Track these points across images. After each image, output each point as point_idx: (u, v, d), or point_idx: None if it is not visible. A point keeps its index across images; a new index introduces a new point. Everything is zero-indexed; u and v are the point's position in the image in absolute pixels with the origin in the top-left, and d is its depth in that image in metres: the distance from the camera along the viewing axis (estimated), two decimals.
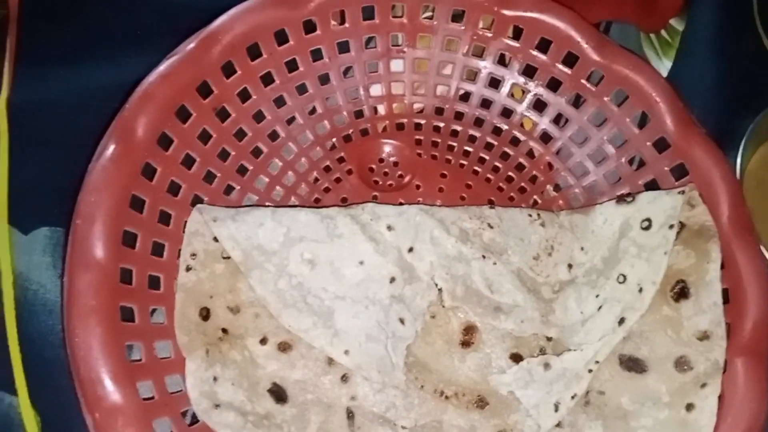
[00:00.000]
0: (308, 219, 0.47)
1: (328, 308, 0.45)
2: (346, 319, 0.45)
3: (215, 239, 0.47)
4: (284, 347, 0.46)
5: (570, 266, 0.49)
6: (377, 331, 0.45)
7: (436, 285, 0.47)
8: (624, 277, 0.46)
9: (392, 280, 0.47)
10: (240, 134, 0.51)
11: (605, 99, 0.52)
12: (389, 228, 0.48)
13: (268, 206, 0.48)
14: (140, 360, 0.41)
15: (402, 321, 0.46)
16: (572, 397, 0.44)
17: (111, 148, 0.43)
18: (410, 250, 0.47)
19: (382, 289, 0.46)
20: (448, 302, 0.47)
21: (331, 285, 0.46)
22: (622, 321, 0.44)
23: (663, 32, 0.63)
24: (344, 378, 0.46)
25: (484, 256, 0.48)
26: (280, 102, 0.53)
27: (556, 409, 0.44)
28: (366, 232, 0.47)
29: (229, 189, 0.51)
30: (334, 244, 0.46)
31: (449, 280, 0.47)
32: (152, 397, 0.40)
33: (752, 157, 0.55)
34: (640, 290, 0.45)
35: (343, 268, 0.46)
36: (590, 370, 0.44)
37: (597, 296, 0.47)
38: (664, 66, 0.62)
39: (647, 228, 0.47)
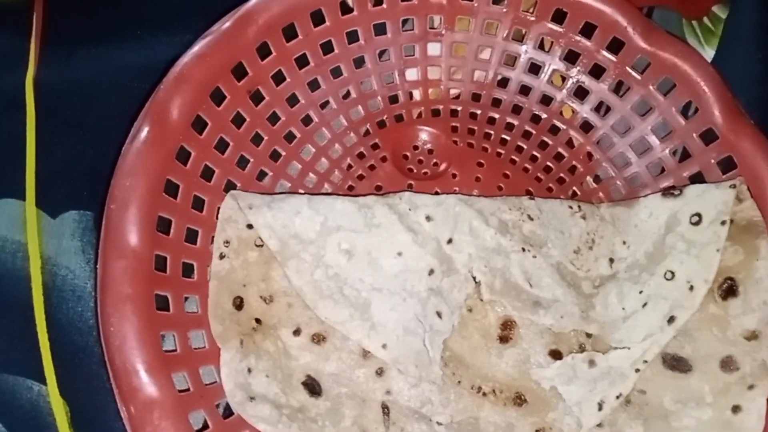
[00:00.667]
0: (345, 208, 0.45)
1: (365, 300, 0.44)
2: (383, 312, 0.44)
3: (249, 226, 0.46)
4: (318, 339, 0.45)
5: (611, 260, 0.48)
6: (415, 325, 0.44)
7: (474, 278, 0.46)
8: (672, 273, 0.44)
9: (431, 272, 0.45)
10: (273, 118, 0.50)
11: (651, 87, 0.50)
12: (428, 218, 0.46)
13: (304, 194, 0.47)
14: (175, 350, 0.40)
15: (439, 314, 0.45)
16: (617, 397, 0.43)
17: (145, 130, 0.41)
18: (449, 241, 0.46)
19: (420, 281, 0.45)
20: (486, 296, 0.45)
21: (368, 276, 0.44)
22: (672, 319, 0.43)
23: (705, 19, 0.61)
24: (379, 372, 0.45)
25: (523, 249, 0.47)
26: (314, 85, 0.51)
27: (600, 408, 0.43)
28: (404, 222, 0.46)
29: (261, 175, 0.50)
30: (371, 234, 0.45)
31: (488, 273, 0.45)
32: (187, 389, 0.39)
33: None
34: (691, 288, 0.43)
35: (381, 259, 0.45)
36: (637, 370, 0.43)
37: (640, 292, 0.45)
38: (706, 55, 0.60)
39: (697, 223, 0.45)
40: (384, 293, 0.44)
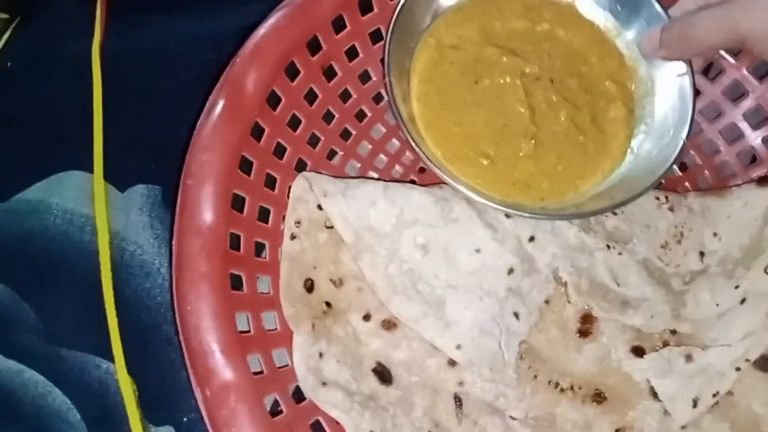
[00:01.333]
0: (422, 200, 0.43)
1: (440, 297, 0.42)
2: (458, 310, 0.42)
3: (319, 207, 0.44)
4: (388, 325, 0.44)
5: (702, 254, 0.45)
6: (491, 325, 0.42)
7: (560, 278, 0.44)
8: None
9: (510, 270, 0.43)
10: (345, 95, 0.48)
11: (744, 71, 0.47)
12: (508, 215, 0.44)
13: (379, 180, 0.45)
14: (249, 332, 0.38)
15: (516, 315, 0.43)
16: (714, 395, 0.40)
17: (221, 104, 0.40)
18: (531, 239, 0.44)
19: (498, 280, 0.43)
20: (573, 297, 0.43)
21: (443, 272, 0.42)
22: None
23: None
24: (452, 362, 0.43)
25: (608, 246, 0.44)
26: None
27: (695, 405, 0.40)
28: (483, 218, 0.44)
29: (332, 154, 0.48)
30: (448, 229, 0.43)
31: (574, 273, 0.43)
32: (261, 372, 0.38)
33: None
34: None
35: (458, 255, 0.43)
36: (738, 369, 0.40)
37: (736, 287, 0.43)
38: None
39: None
40: (460, 291, 0.42)
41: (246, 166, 0.41)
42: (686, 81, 0.44)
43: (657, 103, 0.45)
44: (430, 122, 0.44)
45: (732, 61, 0.48)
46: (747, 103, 0.48)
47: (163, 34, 0.53)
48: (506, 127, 0.44)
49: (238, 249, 0.40)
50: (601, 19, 0.47)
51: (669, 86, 0.45)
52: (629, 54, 0.46)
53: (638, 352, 0.44)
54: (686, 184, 0.50)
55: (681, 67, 0.44)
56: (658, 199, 0.46)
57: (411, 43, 0.45)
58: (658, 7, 0.44)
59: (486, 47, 0.45)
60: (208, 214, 0.38)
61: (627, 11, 0.46)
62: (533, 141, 0.43)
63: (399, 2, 0.44)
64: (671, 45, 0.42)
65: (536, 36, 0.46)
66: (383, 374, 0.43)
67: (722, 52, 0.47)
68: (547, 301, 0.45)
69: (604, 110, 0.45)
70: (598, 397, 0.43)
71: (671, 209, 0.46)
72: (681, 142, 0.43)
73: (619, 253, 0.44)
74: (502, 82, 0.44)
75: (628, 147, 0.45)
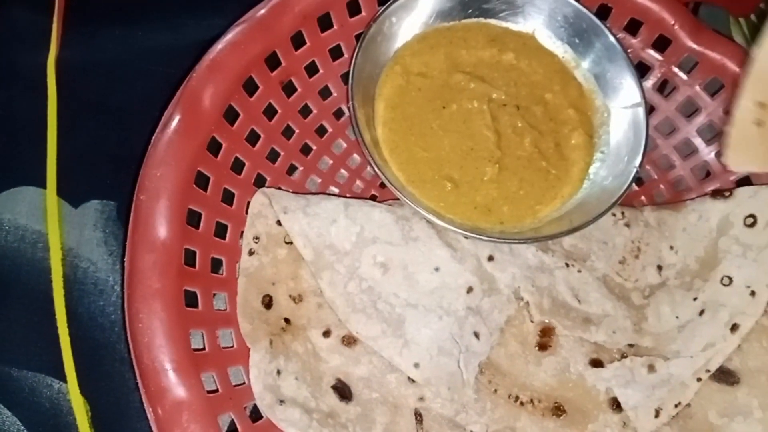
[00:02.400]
0: (383, 218, 0.43)
1: (399, 316, 0.42)
2: (417, 329, 0.42)
3: (278, 222, 0.44)
4: (348, 341, 0.43)
5: (660, 268, 0.46)
6: (450, 344, 0.42)
7: (522, 299, 0.44)
8: (729, 279, 0.42)
9: (469, 290, 0.43)
10: (305, 111, 0.48)
11: (697, 88, 0.49)
12: (466, 236, 0.44)
13: (340, 197, 0.45)
14: (203, 349, 0.38)
15: (477, 335, 0.43)
16: (675, 405, 0.41)
17: (177, 119, 0.39)
18: (490, 258, 0.44)
19: (458, 299, 0.43)
20: (536, 317, 0.43)
21: (403, 291, 0.42)
22: (734, 327, 0.41)
23: (753, 17, 0.58)
24: (411, 377, 0.43)
25: (567, 264, 0.45)
26: (347, 78, 0.49)
27: (657, 415, 0.41)
28: (443, 237, 0.44)
29: (292, 169, 0.48)
30: (408, 248, 0.43)
31: (535, 293, 0.43)
32: (216, 390, 0.37)
33: None
34: (752, 293, 0.41)
35: (417, 274, 0.43)
36: (699, 379, 0.41)
37: (695, 299, 0.43)
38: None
39: (752, 225, 0.43)
40: (419, 310, 0.42)
41: (202, 181, 0.41)
42: (640, 111, 0.45)
43: (612, 132, 0.46)
44: (395, 146, 0.45)
45: (685, 78, 0.49)
46: (700, 119, 0.49)
47: (121, 47, 0.53)
48: (472, 150, 0.45)
49: (194, 265, 0.39)
50: (560, 50, 0.48)
51: (623, 116, 0.46)
52: (586, 84, 0.48)
53: (597, 364, 0.44)
54: (642, 198, 0.51)
55: (635, 96, 0.45)
56: (614, 215, 0.47)
57: (375, 70, 0.46)
58: (612, 38, 0.45)
59: (454, 74, 0.46)
60: (161, 230, 0.37)
61: (583, 43, 0.47)
62: (497, 165, 0.44)
63: (364, 30, 0.44)
64: None
65: (502, 64, 0.47)
66: (343, 391, 0.42)
67: (675, 69, 0.49)
68: (507, 321, 0.45)
69: (566, 137, 0.46)
70: (558, 411, 0.43)
71: (627, 225, 0.47)
72: (634, 171, 0.44)
73: (579, 271, 0.45)
74: (469, 106, 0.45)
75: (586, 173, 0.46)
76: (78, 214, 0.48)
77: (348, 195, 0.49)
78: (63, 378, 0.43)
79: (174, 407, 0.34)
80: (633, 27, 0.49)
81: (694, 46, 0.47)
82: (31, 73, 0.52)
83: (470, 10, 0.48)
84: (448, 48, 0.47)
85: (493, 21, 0.49)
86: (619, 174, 0.45)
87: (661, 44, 0.48)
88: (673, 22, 0.48)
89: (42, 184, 0.48)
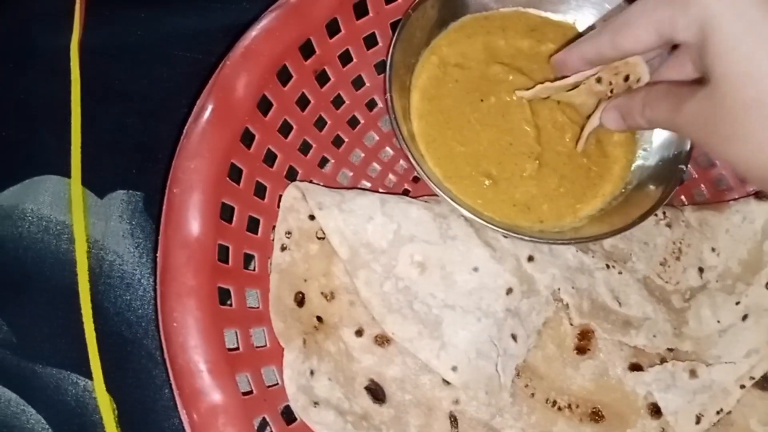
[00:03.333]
0: (420, 216, 0.42)
1: (436, 317, 0.41)
2: (455, 331, 0.40)
3: (311, 217, 0.42)
4: (381, 340, 0.42)
5: (701, 270, 0.45)
6: (488, 347, 0.41)
7: (561, 300, 0.42)
8: None
9: (509, 291, 0.41)
10: (338, 101, 0.46)
11: None
12: (506, 235, 0.42)
13: (375, 192, 0.43)
14: (237, 349, 0.37)
15: (514, 337, 0.41)
16: (717, 412, 0.40)
17: (210, 108, 0.38)
18: (530, 259, 0.42)
19: (497, 300, 0.41)
20: (576, 319, 0.42)
21: (440, 291, 0.41)
22: None
23: None
24: (449, 380, 0.41)
25: (608, 266, 0.43)
26: (381, 68, 0.47)
27: (698, 421, 0.40)
28: (481, 236, 0.42)
29: (323, 161, 0.46)
30: (446, 247, 0.41)
31: (575, 295, 0.42)
32: (250, 392, 0.36)
33: None
34: None
35: (455, 274, 0.41)
36: (742, 386, 0.40)
37: (737, 303, 0.42)
38: None
39: None
40: (457, 311, 0.41)
41: (235, 173, 0.40)
42: None
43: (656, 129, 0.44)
44: (431, 140, 0.43)
45: None
46: None
47: (146, 30, 0.51)
48: (511, 146, 0.43)
49: (227, 261, 0.38)
50: None
51: None
52: None
53: (636, 368, 0.43)
54: (682, 197, 0.49)
55: None
56: (656, 215, 0.45)
57: (412, 59, 0.44)
58: None
59: (492, 65, 0.44)
60: (195, 225, 0.36)
61: None
62: (537, 161, 0.42)
63: (402, 17, 0.42)
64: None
65: (541, 56, 0.45)
66: (376, 392, 0.41)
67: None
68: (545, 323, 0.44)
69: (608, 133, 0.44)
70: (596, 416, 0.42)
71: (669, 225, 0.45)
72: (679, 171, 0.42)
73: (619, 272, 0.43)
74: (508, 99, 0.43)
75: (628, 172, 0.44)
76: (103, 205, 0.46)
77: (380, 189, 0.48)
78: (89, 375, 0.42)
79: (210, 411, 0.33)
80: None
81: None
82: (53, 56, 0.50)
83: None
84: (486, 38, 0.46)
85: (532, 10, 0.47)
86: (663, 173, 0.43)
87: None
88: None
89: (66, 173, 0.46)
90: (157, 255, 0.35)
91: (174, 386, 0.33)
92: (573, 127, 0.44)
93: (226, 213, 0.38)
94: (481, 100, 0.44)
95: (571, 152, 0.43)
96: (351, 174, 0.47)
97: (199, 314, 0.34)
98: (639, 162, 0.45)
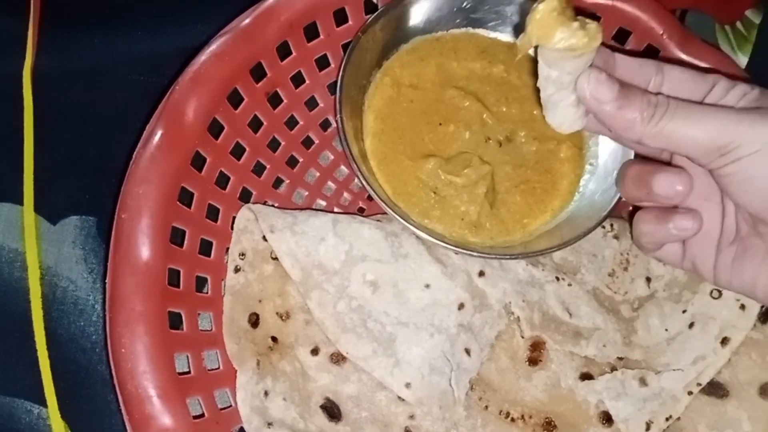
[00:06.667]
0: (372, 235, 0.42)
1: (390, 334, 0.41)
2: (408, 348, 0.41)
3: (265, 238, 0.43)
4: (337, 359, 0.42)
5: (648, 280, 0.46)
6: (442, 362, 0.41)
7: (512, 314, 0.43)
8: (719, 291, 0.42)
9: (461, 306, 0.42)
10: (291, 122, 0.47)
11: None
12: (456, 251, 0.43)
13: (327, 212, 0.44)
14: (189, 373, 0.37)
15: (468, 352, 0.42)
16: (667, 419, 0.41)
17: (159, 133, 0.38)
18: (481, 274, 0.43)
19: (449, 316, 0.42)
20: (527, 332, 0.43)
21: (393, 309, 0.42)
22: (725, 341, 0.41)
23: (739, 25, 0.58)
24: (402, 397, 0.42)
25: (557, 278, 0.44)
26: (333, 88, 0.48)
27: (648, 428, 0.41)
28: (432, 253, 0.43)
29: (278, 182, 0.47)
30: (398, 265, 0.42)
31: (526, 308, 0.43)
32: (202, 415, 0.36)
33: None
34: (742, 307, 0.41)
35: (408, 291, 0.42)
36: (690, 393, 0.41)
37: (684, 312, 0.43)
38: (739, 61, 0.57)
39: None
40: (410, 328, 0.41)
41: (186, 197, 0.40)
42: None
43: (601, 143, 0.45)
44: (383, 157, 0.44)
45: None
46: None
47: (100, 54, 0.51)
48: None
49: (178, 285, 0.38)
50: None
51: None
52: None
53: (587, 378, 0.44)
54: (630, 208, 0.50)
55: None
56: (603, 227, 0.46)
57: (363, 81, 0.45)
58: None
59: (447, 89, 0.45)
60: (144, 250, 0.36)
61: None
62: (485, 180, 0.43)
63: (352, 40, 0.43)
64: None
65: (493, 77, 0.46)
66: (332, 410, 0.41)
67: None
68: (497, 336, 0.44)
69: (555, 151, 0.45)
70: (549, 426, 0.43)
71: (616, 237, 0.46)
72: None
73: (569, 284, 0.44)
74: (467, 135, 0.44)
75: (576, 186, 0.45)
76: (56, 231, 0.46)
77: (335, 207, 0.48)
78: (43, 403, 0.42)
79: None
80: (622, 36, 0.48)
81: (683, 55, 0.47)
82: (5, 82, 0.50)
83: (458, 20, 0.47)
84: (439, 59, 0.46)
85: (481, 31, 0.48)
86: (609, 187, 0.44)
87: (650, 54, 0.48)
88: (661, 31, 0.47)
89: (18, 200, 0.46)
90: (106, 282, 0.35)
91: (124, 412, 0.34)
92: (521, 146, 0.45)
93: (177, 237, 0.39)
94: (440, 124, 0.45)
95: (519, 169, 0.45)
96: (306, 194, 0.48)
97: (148, 340, 0.34)
98: (586, 177, 0.46)
